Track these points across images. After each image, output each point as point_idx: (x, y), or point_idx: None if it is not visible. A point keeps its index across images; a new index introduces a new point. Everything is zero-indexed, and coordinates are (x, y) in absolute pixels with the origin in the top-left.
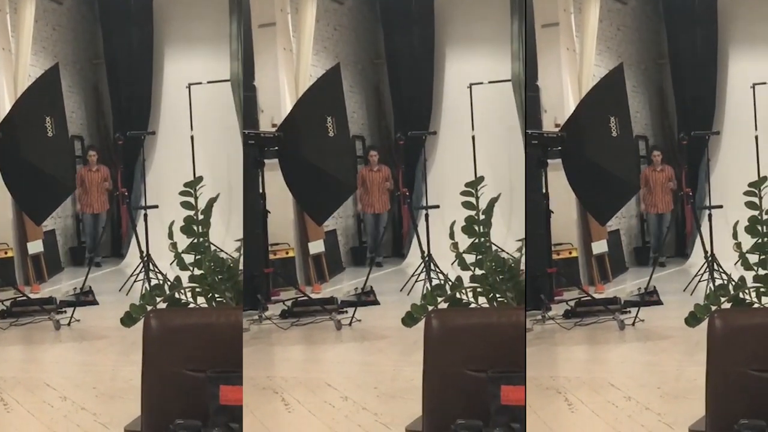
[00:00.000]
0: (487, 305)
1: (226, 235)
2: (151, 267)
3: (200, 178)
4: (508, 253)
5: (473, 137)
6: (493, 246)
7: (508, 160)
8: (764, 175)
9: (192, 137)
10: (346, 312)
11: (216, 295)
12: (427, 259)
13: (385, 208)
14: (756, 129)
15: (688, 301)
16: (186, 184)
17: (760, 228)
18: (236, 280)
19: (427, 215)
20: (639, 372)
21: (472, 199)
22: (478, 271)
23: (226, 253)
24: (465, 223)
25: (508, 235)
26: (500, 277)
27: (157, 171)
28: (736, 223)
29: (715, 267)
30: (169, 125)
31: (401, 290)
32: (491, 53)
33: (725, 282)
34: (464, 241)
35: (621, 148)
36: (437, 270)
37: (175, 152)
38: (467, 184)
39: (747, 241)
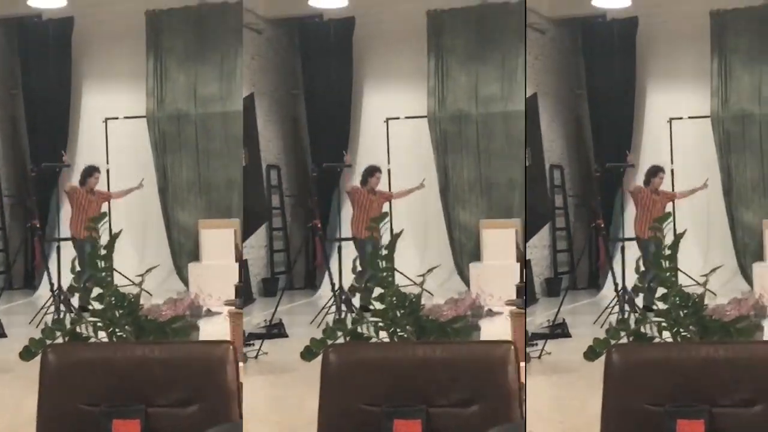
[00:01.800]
0: (387, 339)
1: (140, 268)
2: (62, 299)
3: (104, 214)
4: (415, 283)
5: (389, 171)
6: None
7: (421, 194)
8: (668, 212)
9: (108, 171)
10: (253, 345)
11: (117, 330)
12: (338, 291)
13: None
14: (672, 163)
15: (598, 334)
16: (90, 219)
17: (663, 263)
18: (136, 315)
19: (340, 247)
20: (541, 406)
21: (376, 234)
22: (380, 306)
23: (133, 282)
24: (369, 258)
25: (420, 267)
26: (401, 311)
27: None
28: (639, 258)
29: (627, 299)
30: (85, 158)
31: (311, 323)
32: (408, 88)
33: (626, 316)
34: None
35: (533, 177)
36: (349, 303)
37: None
38: (372, 219)
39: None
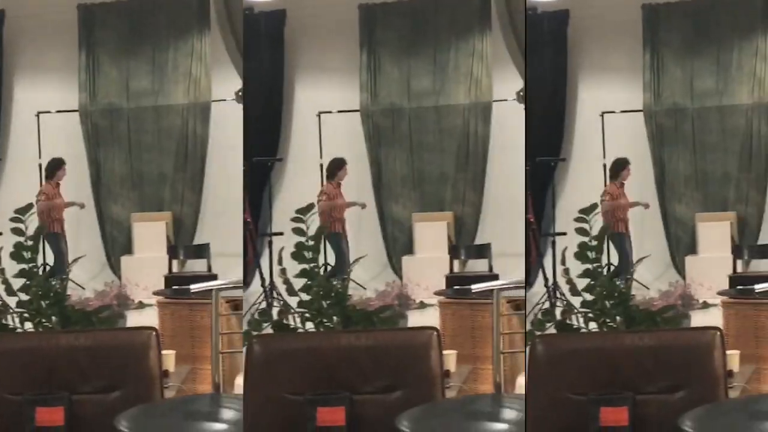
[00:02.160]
0: (314, 329)
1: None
2: None
3: (30, 205)
4: (353, 280)
5: (321, 165)
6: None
7: (355, 188)
8: (594, 202)
9: (40, 165)
10: None
11: (43, 320)
12: (269, 286)
13: None
14: (604, 157)
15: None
16: (16, 211)
17: (588, 254)
18: (63, 305)
19: (270, 242)
20: None
21: (303, 226)
22: (306, 297)
23: (67, 278)
24: (295, 249)
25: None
26: (327, 302)
27: (6, 198)
28: (565, 249)
29: (558, 295)
30: (18, 153)
31: (242, 318)
32: (341, 82)
33: (550, 307)
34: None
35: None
36: (279, 297)
37: (24, 180)
38: (298, 211)
39: (577, 267)
